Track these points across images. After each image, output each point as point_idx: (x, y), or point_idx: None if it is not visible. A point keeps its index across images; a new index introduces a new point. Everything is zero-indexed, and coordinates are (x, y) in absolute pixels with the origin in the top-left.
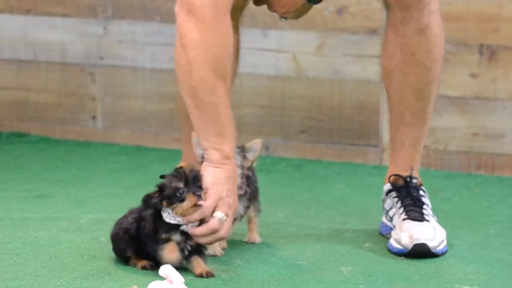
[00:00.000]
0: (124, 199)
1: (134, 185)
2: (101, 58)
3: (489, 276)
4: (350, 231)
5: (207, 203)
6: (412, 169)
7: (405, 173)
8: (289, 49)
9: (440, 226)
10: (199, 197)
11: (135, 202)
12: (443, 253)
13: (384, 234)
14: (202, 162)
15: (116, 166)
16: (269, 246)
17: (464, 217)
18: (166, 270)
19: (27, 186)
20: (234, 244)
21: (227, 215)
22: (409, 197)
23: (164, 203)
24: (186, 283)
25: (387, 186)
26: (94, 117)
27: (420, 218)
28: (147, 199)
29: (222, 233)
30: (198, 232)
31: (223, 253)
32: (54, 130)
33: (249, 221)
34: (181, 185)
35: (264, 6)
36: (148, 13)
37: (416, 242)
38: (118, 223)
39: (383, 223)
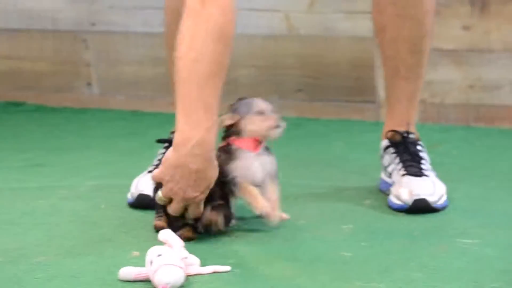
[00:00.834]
0: (122, 165)
1: (132, 150)
2: (93, 24)
3: (491, 229)
4: (350, 189)
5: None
6: (408, 124)
7: (402, 128)
8: (281, 8)
9: (440, 181)
10: None
11: (133, 167)
12: (443, 208)
13: (384, 190)
14: None
15: (113, 132)
16: None
17: (464, 171)
18: (165, 235)
19: (24, 156)
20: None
21: (169, 200)
22: (407, 152)
23: None
24: (186, 247)
25: (385, 142)
26: (89, 84)
27: (419, 173)
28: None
29: (169, 211)
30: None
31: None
32: (50, 98)
33: None
34: None
35: None
36: None
37: (416, 197)
38: None
39: (382, 179)
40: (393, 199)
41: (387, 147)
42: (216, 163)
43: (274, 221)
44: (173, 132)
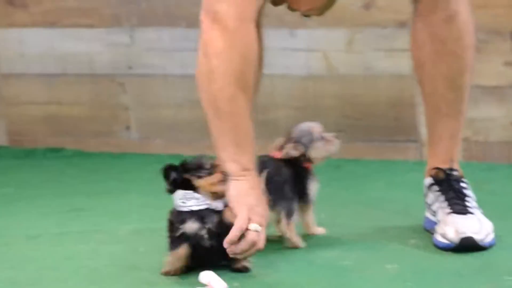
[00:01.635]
0: (162, 208)
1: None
2: (130, 67)
3: None
4: (394, 228)
5: (240, 216)
6: (452, 161)
7: (445, 166)
8: (319, 48)
9: (486, 218)
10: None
11: None
12: (490, 246)
13: (429, 229)
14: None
15: (152, 176)
16: (313, 247)
17: (510, 208)
18: (207, 276)
19: (64, 201)
20: (278, 247)
21: (261, 225)
22: (451, 190)
23: (188, 176)
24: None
25: (428, 180)
26: (128, 128)
27: (464, 211)
28: (167, 170)
29: (260, 244)
30: (240, 249)
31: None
32: (88, 143)
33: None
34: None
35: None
36: (173, 19)
37: (462, 235)
38: None
39: (427, 218)
40: (439, 238)
41: (431, 185)
42: None
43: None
44: None
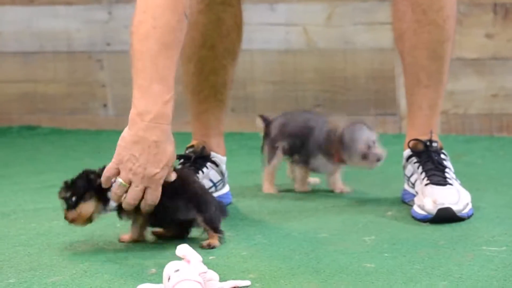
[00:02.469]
0: None
1: None
2: (108, 44)
3: None
4: (372, 201)
5: (109, 165)
6: (431, 132)
7: (424, 137)
8: (298, 22)
9: (464, 189)
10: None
11: None
12: (468, 216)
13: (407, 201)
14: None
15: None
16: (289, 220)
17: (488, 179)
18: (183, 249)
19: (39, 178)
20: (254, 221)
21: (129, 183)
22: (430, 161)
23: None
24: (204, 262)
25: (407, 152)
26: (105, 105)
27: (443, 182)
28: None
29: (127, 200)
30: (114, 196)
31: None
32: (65, 121)
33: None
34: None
35: None
36: None
37: (440, 206)
38: None
39: (405, 190)
40: (416, 209)
41: (409, 157)
42: (172, 138)
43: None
44: (188, 147)
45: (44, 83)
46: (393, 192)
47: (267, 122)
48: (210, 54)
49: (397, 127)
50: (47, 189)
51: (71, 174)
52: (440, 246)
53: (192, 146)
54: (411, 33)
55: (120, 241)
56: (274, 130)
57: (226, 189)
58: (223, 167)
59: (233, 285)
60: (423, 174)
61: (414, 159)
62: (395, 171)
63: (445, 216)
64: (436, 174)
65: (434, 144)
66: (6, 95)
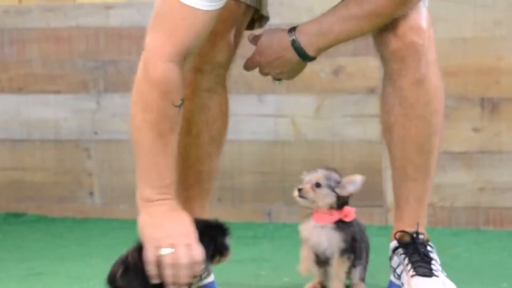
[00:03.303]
0: None
1: None
2: (96, 133)
3: None
4: None
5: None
6: (418, 224)
7: (411, 229)
8: (287, 113)
9: (450, 281)
10: None
11: None
12: None
13: None
14: None
15: (116, 241)
16: None
17: (475, 273)
18: None
19: (25, 265)
20: None
21: (173, 247)
22: (416, 253)
23: None
24: None
25: (394, 243)
26: (91, 193)
27: (429, 273)
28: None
29: (183, 261)
30: (170, 276)
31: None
32: (52, 209)
33: None
34: None
35: (258, 71)
36: None
37: None
38: None
39: (391, 281)
40: None
41: (396, 248)
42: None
43: None
44: None
45: (31, 171)
46: (379, 283)
47: None
48: (195, 141)
49: (383, 219)
50: (34, 277)
51: (58, 262)
52: None
53: None
54: (399, 126)
55: None
56: None
57: (211, 278)
58: None
59: None
60: (409, 265)
61: (400, 250)
62: (381, 263)
63: None
64: (422, 266)
65: (421, 236)
66: None
